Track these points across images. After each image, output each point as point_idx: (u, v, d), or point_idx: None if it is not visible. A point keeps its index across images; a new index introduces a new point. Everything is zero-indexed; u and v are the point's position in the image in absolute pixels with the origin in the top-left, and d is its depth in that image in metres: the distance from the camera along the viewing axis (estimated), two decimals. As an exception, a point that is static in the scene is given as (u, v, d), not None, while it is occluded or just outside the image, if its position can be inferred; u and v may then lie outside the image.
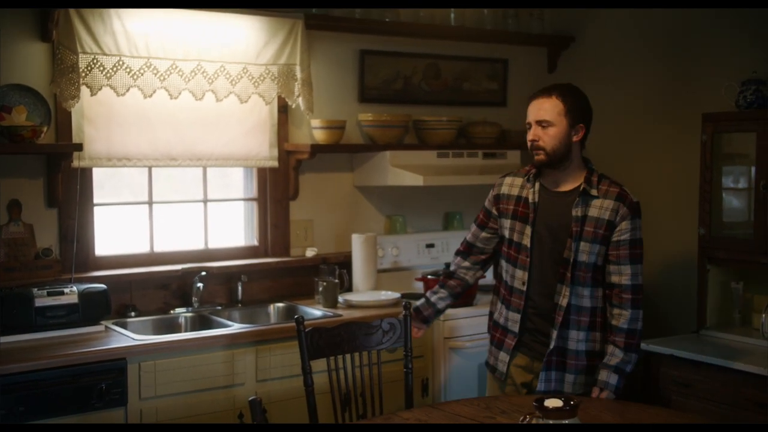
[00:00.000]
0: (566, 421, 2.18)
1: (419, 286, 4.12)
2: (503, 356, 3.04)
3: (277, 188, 4.10)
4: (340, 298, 3.90)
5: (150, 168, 3.83)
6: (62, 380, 2.99)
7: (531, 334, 2.99)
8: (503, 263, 3.07)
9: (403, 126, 4.24)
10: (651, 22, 4.36)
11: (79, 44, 3.43)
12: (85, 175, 3.63)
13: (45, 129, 3.40)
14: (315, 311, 3.79)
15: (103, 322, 3.41)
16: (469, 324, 3.88)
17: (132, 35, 3.55)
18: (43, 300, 3.25)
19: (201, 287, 3.77)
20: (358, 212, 4.34)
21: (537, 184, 2.98)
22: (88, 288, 3.38)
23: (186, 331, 3.66)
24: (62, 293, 3.30)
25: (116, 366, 3.09)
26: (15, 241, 3.44)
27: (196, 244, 4.00)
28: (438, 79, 4.51)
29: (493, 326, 3.13)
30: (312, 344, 2.96)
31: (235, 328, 3.46)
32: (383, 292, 4.02)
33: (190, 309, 3.77)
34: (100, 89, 3.51)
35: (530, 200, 2.96)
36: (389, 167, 4.08)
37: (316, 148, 4.00)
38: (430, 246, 4.41)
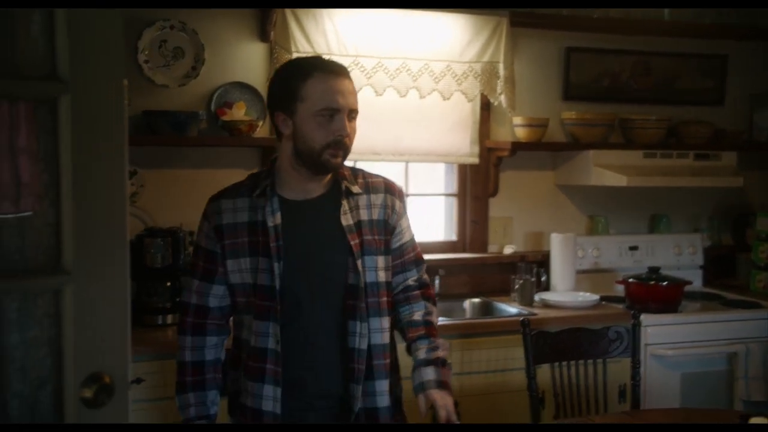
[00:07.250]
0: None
1: (620, 289, 3.98)
2: None
3: (477, 185, 4.13)
4: (537, 297, 3.85)
5: (354, 162, 3.98)
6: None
7: (315, 403, 2.19)
8: (241, 319, 2.24)
9: (607, 125, 4.12)
10: None
11: (294, 44, 3.63)
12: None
13: (260, 123, 3.64)
14: (510, 308, 3.77)
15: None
16: (673, 331, 3.70)
17: (341, 34, 3.70)
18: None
19: (399, 279, 3.86)
20: (558, 211, 4.27)
21: (275, 199, 2.17)
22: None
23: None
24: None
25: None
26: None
27: (396, 237, 4.11)
28: (647, 77, 4.34)
29: (240, 409, 2.21)
30: (536, 348, 2.94)
31: (430, 320, 3.52)
32: (581, 294, 3.93)
33: (388, 300, 3.87)
34: (311, 86, 3.70)
35: (269, 224, 2.15)
36: (592, 167, 3.98)
37: (517, 146, 3.98)
38: (633, 248, 4.25)
